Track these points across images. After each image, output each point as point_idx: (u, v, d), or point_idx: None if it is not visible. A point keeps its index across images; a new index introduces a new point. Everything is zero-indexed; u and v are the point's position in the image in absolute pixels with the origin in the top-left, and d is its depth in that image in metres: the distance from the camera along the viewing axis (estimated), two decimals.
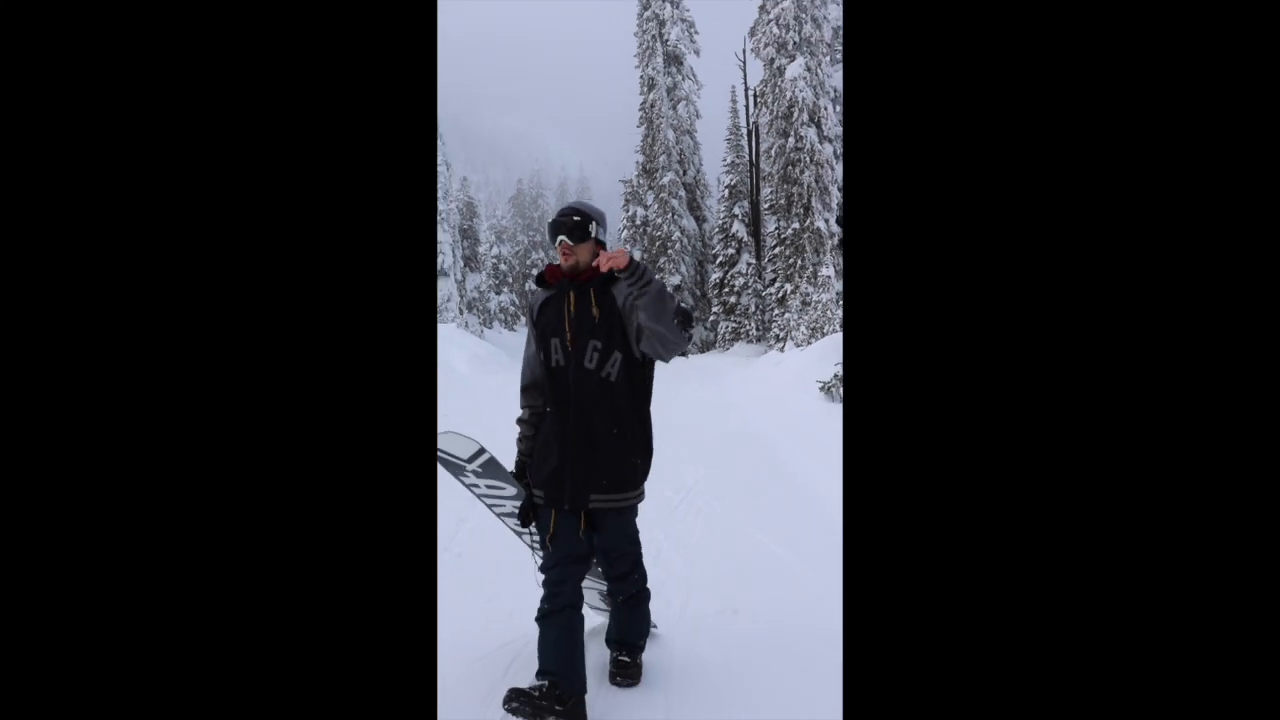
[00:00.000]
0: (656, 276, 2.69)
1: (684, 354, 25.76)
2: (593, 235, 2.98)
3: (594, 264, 2.79)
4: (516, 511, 3.21)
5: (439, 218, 34.38)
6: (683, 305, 2.82)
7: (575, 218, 2.95)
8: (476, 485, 3.28)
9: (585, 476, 2.94)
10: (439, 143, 35.63)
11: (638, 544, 3.23)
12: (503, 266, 56.59)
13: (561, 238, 2.94)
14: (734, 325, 26.08)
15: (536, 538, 3.13)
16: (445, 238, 33.54)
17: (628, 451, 2.98)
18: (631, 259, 2.62)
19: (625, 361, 2.94)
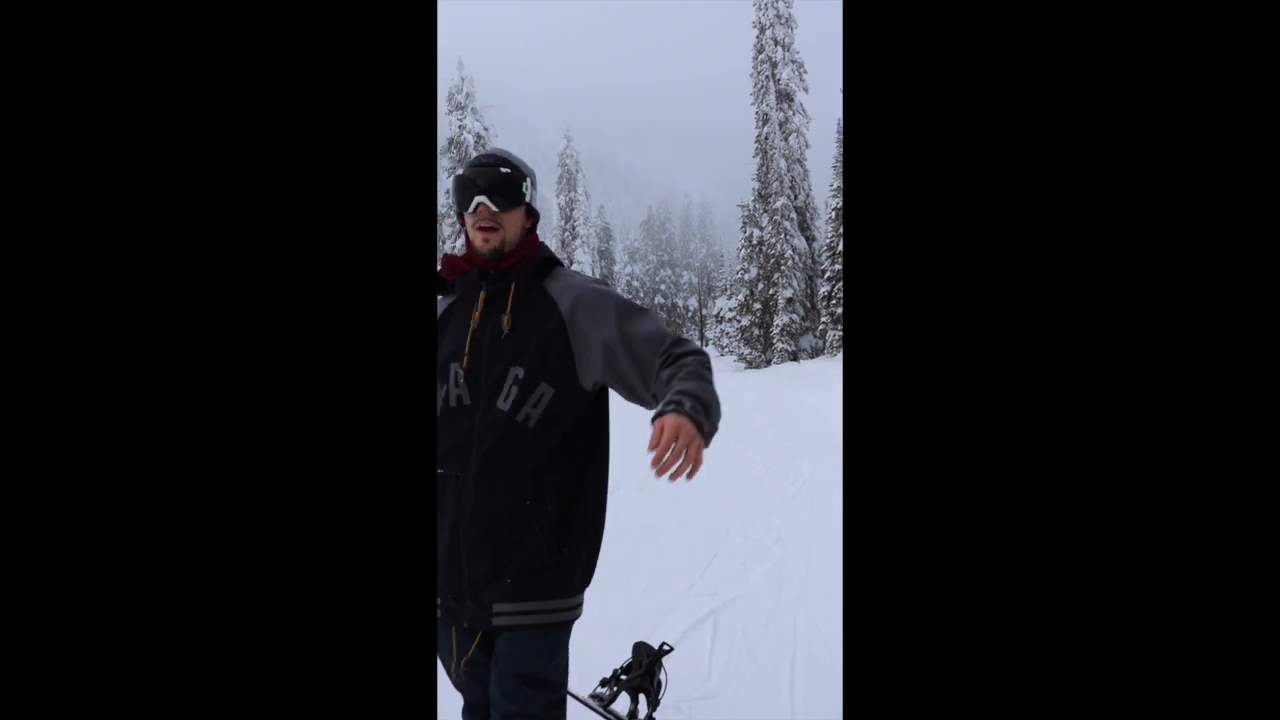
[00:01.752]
0: (710, 393, 1.47)
1: (795, 359, 25.45)
2: (526, 199, 1.72)
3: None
4: None
5: (579, 240, 35.10)
6: (706, 366, 1.57)
7: (503, 169, 1.68)
8: None
9: (486, 574, 1.64)
10: (579, 176, 36.39)
11: (563, 681, 1.72)
12: (634, 283, 57.27)
13: (480, 200, 1.66)
14: (841, 334, 25.68)
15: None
16: (585, 258, 34.16)
17: (552, 535, 1.64)
18: (693, 425, 1.37)
19: (557, 399, 1.64)
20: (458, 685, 1.76)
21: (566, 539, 1.66)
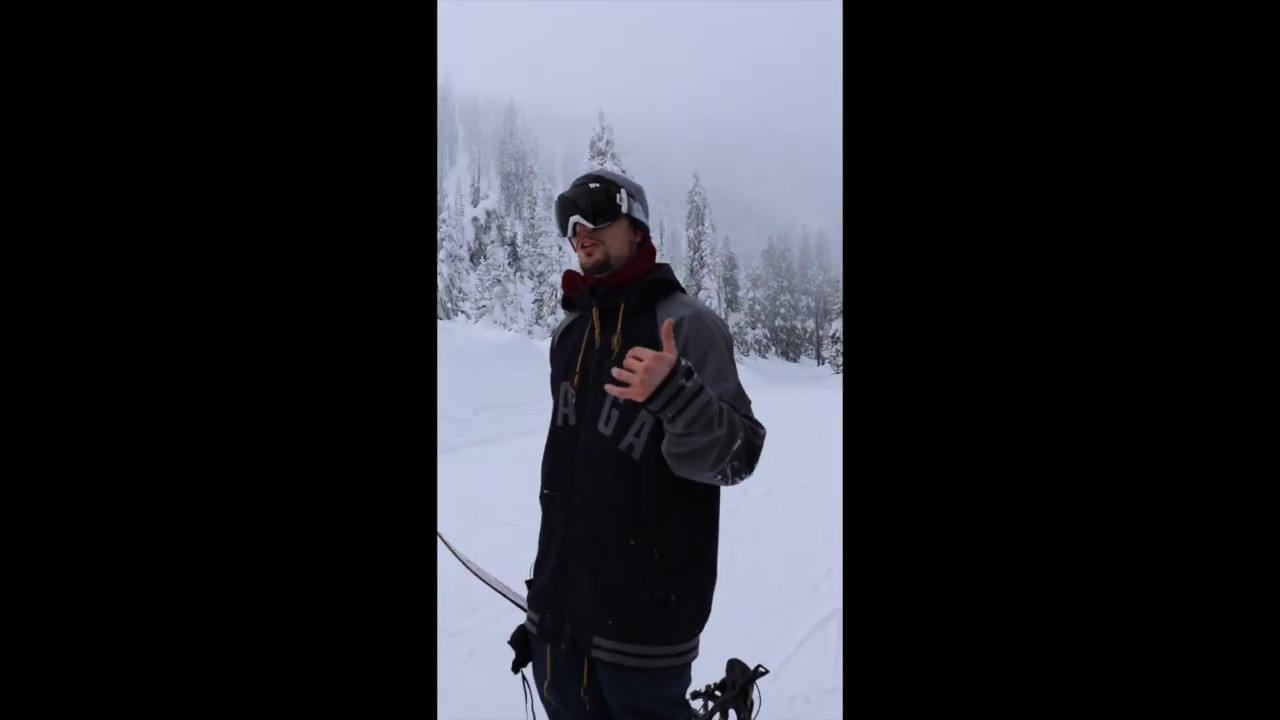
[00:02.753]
0: (708, 398, 1.31)
1: None
2: (624, 210, 1.57)
3: (635, 266, 1.57)
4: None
5: (706, 269, 35.28)
6: (752, 438, 1.40)
7: (593, 185, 1.57)
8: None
9: (588, 607, 1.50)
10: (706, 210, 36.66)
11: (677, 710, 1.54)
12: (756, 307, 56.98)
13: (575, 219, 1.56)
14: None
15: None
16: (711, 285, 34.31)
17: (655, 583, 1.46)
18: (669, 373, 1.26)
19: (659, 429, 1.42)
20: (545, 702, 1.63)
21: (674, 587, 1.46)
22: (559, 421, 1.58)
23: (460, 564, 2.04)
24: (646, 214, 1.63)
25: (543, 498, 1.60)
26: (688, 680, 1.54)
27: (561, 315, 1.78)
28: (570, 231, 1.56)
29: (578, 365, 1.55)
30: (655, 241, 1.64)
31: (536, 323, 32.53)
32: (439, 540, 2.07)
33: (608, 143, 26.65)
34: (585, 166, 26.27)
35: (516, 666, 1.65)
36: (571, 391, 1.55)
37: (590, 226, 1.53)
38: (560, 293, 1.71)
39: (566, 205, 1.56)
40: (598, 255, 1.53)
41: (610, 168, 25.90)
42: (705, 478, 1.37)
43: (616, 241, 1.55)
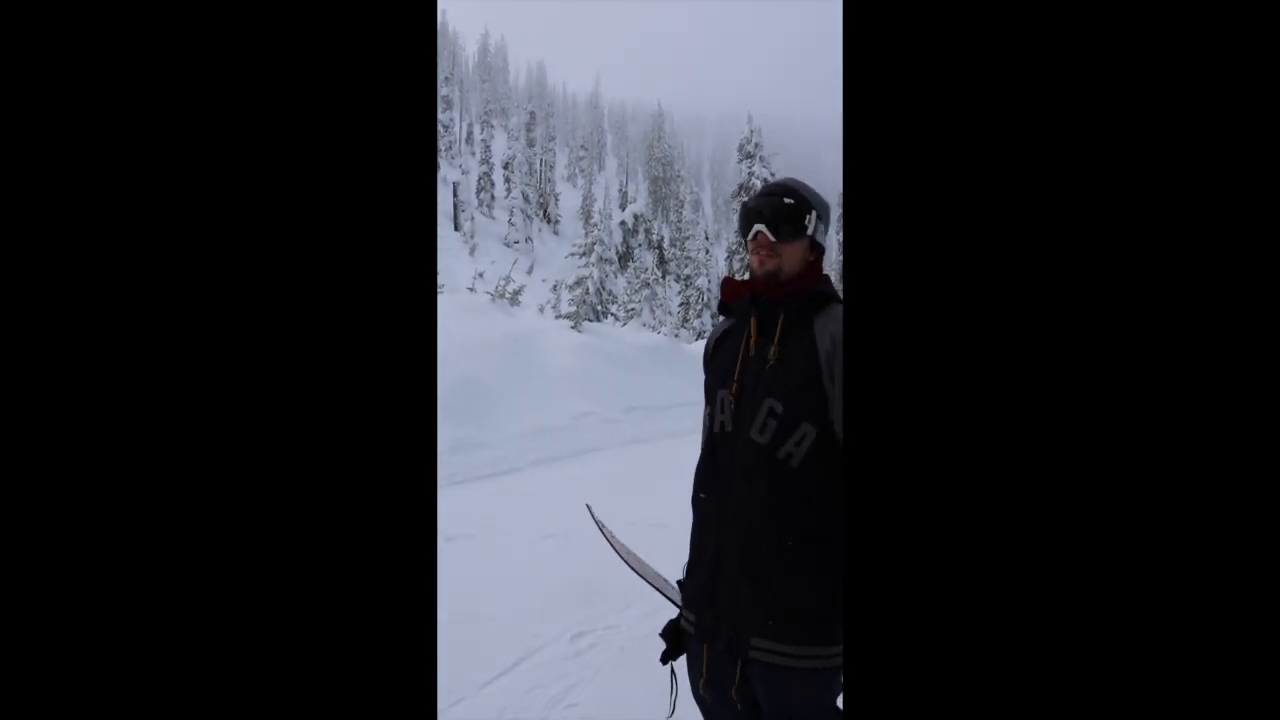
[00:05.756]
0: None
1: None
2: (809, 232, 1.57)
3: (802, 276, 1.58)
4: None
5: None
6: None
7: (787, 200, 1.56)
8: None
9: (743, 605, 1.53)
10: None
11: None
12: None
13: (759, 227, 1.55)
14: None
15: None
16: None
17: (814, 580, 1.49)
18: None
19: (820, 441, 1.48)
20: (699, 700, 1.65)
21: (833, 587, 1.48)
22: (715, 428, 1.60)
23: (620, 558, 2.15)
24: (827, 234, 1.64)
25: (697, 501, 1.63)
26: (839, 686, 1.53)
27: (707, 319, 1.85)
28: (750, 235, 1.57)
29: (735, 374, 1.57)
30: None
31: (683, 326, 32.79)
32: (602, 534, 2.16)
33: (756, 145, 26.48)
34: (733, 169, 26.17)
35: (665, 659, 1.69)
36: (729, 399, 1.57)
37: (772, 240, 1.54)
38: (712, 297, 1.72)
39: (752, 214, 1.57)
40: (770, 266, 1.55)
41: (759, 171, 25.76)
42: None
43: (793, 258, 1.56)
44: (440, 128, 36.97)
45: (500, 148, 37.58)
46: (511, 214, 30.81)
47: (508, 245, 29.48)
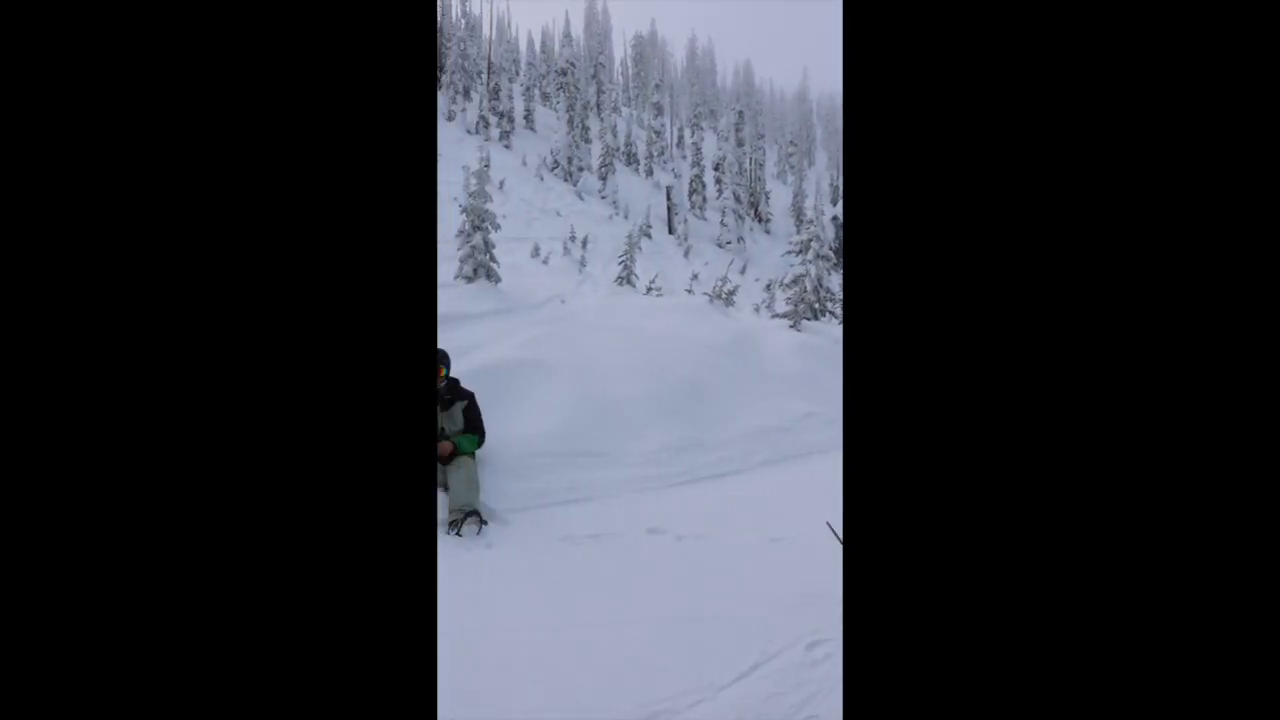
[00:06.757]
0: None
1: None
2: None
3: None
4: None
5: None
6: None
7: None
8: None
9: None
10: None
11: None
12: None
13: None
14: None
15: None
16: None
17: None
18: None
19: None
20: None
21: None
22: None
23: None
24: None
25: None
26: None
27: None
28: None
29: None
30: None
31: None
32: (829, 530, 2.06)
33: None
34: None
35: None
36: None
37: None
38: None
39: None
40: None
41: None
42: None
43: None
44: (652, 133, 38.00)
45: (710, 149, 37.96)
46: (723, 214, 31.03)
47: (720, 246, 29.69)
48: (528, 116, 36.69)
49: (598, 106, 41.13)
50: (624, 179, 33.39)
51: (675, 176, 35.09)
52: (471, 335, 7.47)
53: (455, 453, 5.02)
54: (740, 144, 37.68)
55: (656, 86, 47.04)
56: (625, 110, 49.16)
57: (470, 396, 5.29)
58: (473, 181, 11.07)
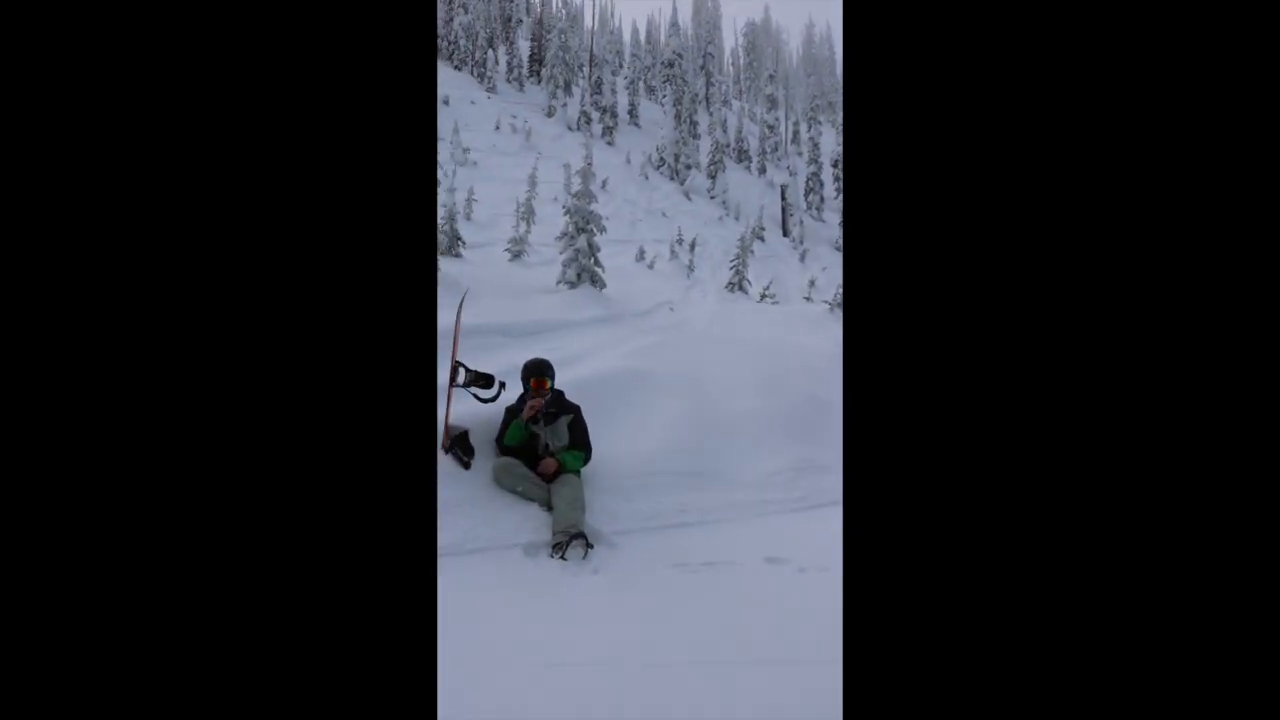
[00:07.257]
0: None
1: None
2: None
3: None
4: None
5: None
6: None
7: None
8: None
9: None
10: None
11: None
12: None
13: None
14: None
15: None
16: None
17: None
18: None
19: None
20: None
21: None
22: None
23: None
24: None
25: None
26: None
27: None
28: None
29: None
30: None
31: None
32: None
33: None
34: None
35: None
36: None
37: None
38: None
39: None
40: None
41: None
42: None
43: None
44: (765, 128, 37.18)
45: (828, 145, 36.70)
46: (843, 215, 30.02)
47: (839, 250, 28.73)
48: (632, 111, 36.62)
49: (706, 100, 40.58)
50: (735, 177, 32.72)
51: (790, 174, 34.11)
52: (576, 344, 7.27)
53: (560, 470, 4.80)
54: None
55: (770, 78, 46.03)
56: (736, 103, 48.48)
57: (576, 410, 5.05)
58: (576, 181, 10.94)
